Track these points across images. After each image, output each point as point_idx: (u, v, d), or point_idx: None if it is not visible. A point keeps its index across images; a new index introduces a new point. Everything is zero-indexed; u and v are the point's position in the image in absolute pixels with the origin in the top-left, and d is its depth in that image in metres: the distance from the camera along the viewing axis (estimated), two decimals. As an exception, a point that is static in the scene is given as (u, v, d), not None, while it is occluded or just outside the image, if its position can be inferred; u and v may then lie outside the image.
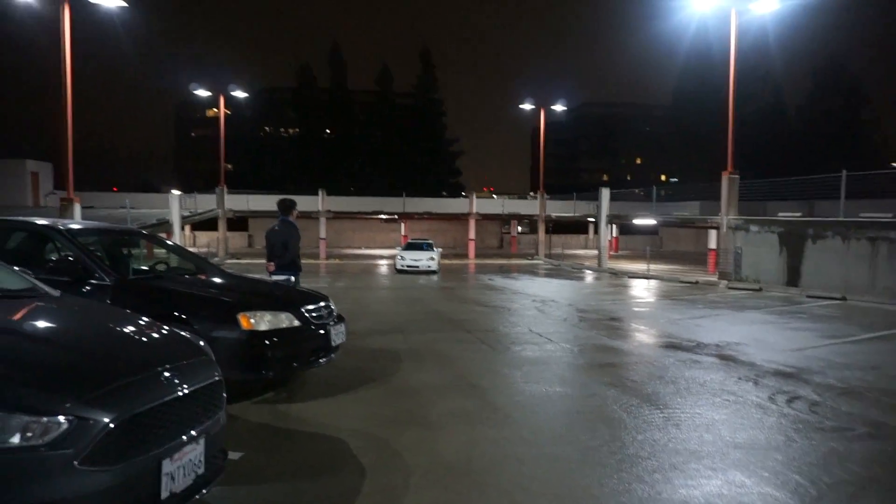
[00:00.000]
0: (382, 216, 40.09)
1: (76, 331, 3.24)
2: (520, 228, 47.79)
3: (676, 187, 41.72)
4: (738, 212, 19.12)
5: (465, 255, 35.38)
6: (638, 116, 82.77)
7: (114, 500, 2.34)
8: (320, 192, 34.29)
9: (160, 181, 56.64)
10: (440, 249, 25.51)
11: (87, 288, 5.13)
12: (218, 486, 3.02)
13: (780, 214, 19.43)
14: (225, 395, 3.12)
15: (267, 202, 28.96)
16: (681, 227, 37.83)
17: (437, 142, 61.53)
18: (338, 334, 5.89)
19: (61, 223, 5.91)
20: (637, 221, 29.60)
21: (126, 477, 2.35)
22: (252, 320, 5.15)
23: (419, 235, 34.03)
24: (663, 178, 68.57)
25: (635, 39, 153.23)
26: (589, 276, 23.11)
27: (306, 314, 5.58)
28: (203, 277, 6.26)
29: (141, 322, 3.42)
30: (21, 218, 6.55)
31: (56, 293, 3.64)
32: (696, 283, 19.10)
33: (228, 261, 28.56)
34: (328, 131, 62.44)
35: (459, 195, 52.17)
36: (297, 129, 64.61)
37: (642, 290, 17.58)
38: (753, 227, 18.12)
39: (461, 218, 38.05)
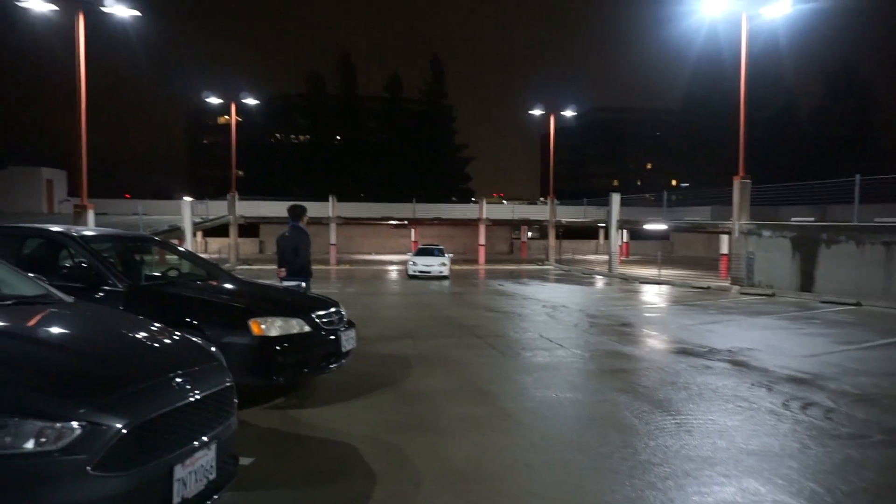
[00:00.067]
0: (392, 222, 40.21)
1: (89, 337, 3.27)
2: (530, 234, 47.71)
3: (687, 192, 41.59)
4: (749, 216, 18.98)
5: (475, 261, 35.37)
6: (648, 121, 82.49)
7: (126, 506, 2.35)
8: (331, 199, 34.46)
9: (172, 188, 57.18)
10: (451, 255, 25.56)
11: (100, 294, 5.17)
12: (229, 491, 3.03)
13: (794, 219, 19.26)
14: (236, 400, 3.13)
15: (277, 208, 29.10)
16: (692, 233, 37.62)
17: (446, 147, 61.71)
18: (348, 340, 5.89)
19: (75, 230, 5.97)
20: (648, 227, 29.47)
21: (138, 482, 2.36)
22: (263, 326, 5.17)
23: (429, 241, 34.09)
24: (674, 182, 68.27)
25: (645, 44, 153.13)
26: (599, 282, 23.01)
27: (317, 320, 5.59)
28: (214, 283, 6.29)
29: (153, 328, 3.44)
30: (35, 225, 6.62)
31: (70, 299, 3.67)
32: (708, 288, 18.96)
33: (240, 267, 28.73)
34: (338, 137, 62.76)
35: (469, 201, 52.23)
36: (308, 136, 64.98)
37: (653, 296, 17.48)
38: (766, 232, 17.97)
39: (471, 223, 38.08)
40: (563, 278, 24.53)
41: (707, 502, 3.56)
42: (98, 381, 2.57)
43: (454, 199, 56.20)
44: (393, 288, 20.16)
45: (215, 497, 2.82)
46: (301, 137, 67.07)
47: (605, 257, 30.74)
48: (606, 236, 32.78)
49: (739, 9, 18.85)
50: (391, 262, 34.72)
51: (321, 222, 32.72)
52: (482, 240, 36.35)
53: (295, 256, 7.93)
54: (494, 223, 39.50)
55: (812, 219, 18.38)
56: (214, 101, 33.65)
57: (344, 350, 5.79)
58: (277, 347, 5.15)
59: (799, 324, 11.24)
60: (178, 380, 2.74)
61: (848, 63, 53.88)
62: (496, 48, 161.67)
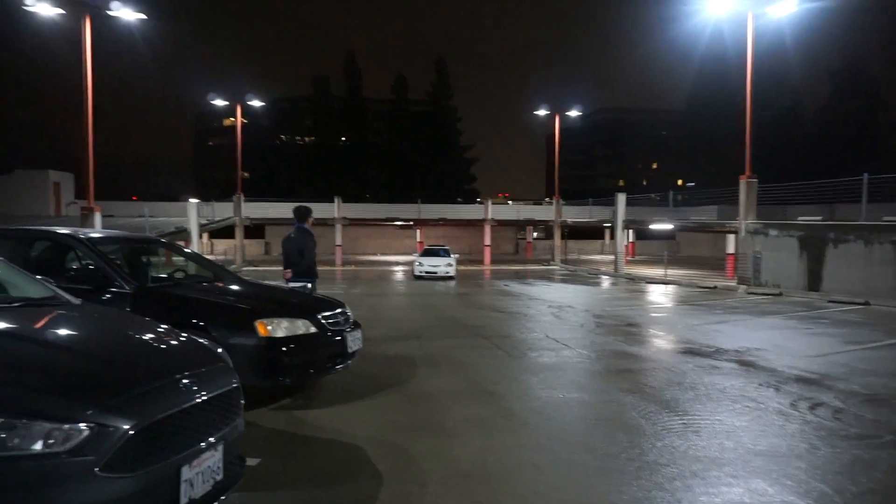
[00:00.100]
0: (398, 223, 40.22)
1: (96, 339, 3.28)
2: (535, 234, 47.63)
3: (693, 192, 41.42)
4: (756, 216, 18.89)
5: (481, 261, 35.34)
6: (653, 121, 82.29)
7: (133, 507, 2.35)
8: (336, 200, 34.50)
9: (178, 190, 57.34)
10: (457, 255, 25.57)
11: (107, 296, 5.19)
12: (235, 492, 3.04)
13: (801, 218, 19.11)
14: (243, 401, 3.14)
15: (283, 210, 29.19)
16: (698, 232, 37.48)
17: (451, 148, 61.71)
18: (354, 341, 5.90)
19: (82, 232, 5.99)
20: (654, 226, 29.38)
21: (145, 483, 2.37)
22: (269, 327, 5.18)
23: (434, 242, 34.08)
24: (680, 182, 68.02)
25: (650, 44, 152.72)
26: (605, 282, 22.95)
27: (323, 321, 5.60)
28: (220, 285, 6.31)
29: (160, 329, 3.45)
30: (43, 227, 6.65)
31: (77, 301, 3.69)
32: (715, 288, 18.88)
33: (245, 268, 28.79)
34: (343, 139, 62.90)
35: (474, 201, 52.20)
36: (313, 137, 65.14)
37: (659, 296, 17.42)
38: (773, 232, 17.89)
39: (476, 224, 38.05)
40: (569, 278, 24.49)
41: (715, 503, 3.54)
42: (105, 382, 2.58)
43: (459, 199, 56.24)
44: (398, 289, 20.17)
45: (222, 498, 2.82)
46: (306, 139, 67.24)
47: (611, 257, 30.65)
48: (612, 236, 32.67)
49: (745, 8, 18.76)
50: (396, 263, 34.75)
51: (326, 223, 32.76)
52: (487, 240, 36.31)
53: (300, 257, 7.94)
54: (500, 223, 39.46)
55: (819, 218, 18.22)
56: (220, 103, 33.73)
57: (350, 351, 5.80)
58: (283, 348, 5.16)
59: (807, 323, 11.18)
60: (185, 381, 2.75)
61: (854, 62, 53.52)
62: (497, 48, 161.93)
